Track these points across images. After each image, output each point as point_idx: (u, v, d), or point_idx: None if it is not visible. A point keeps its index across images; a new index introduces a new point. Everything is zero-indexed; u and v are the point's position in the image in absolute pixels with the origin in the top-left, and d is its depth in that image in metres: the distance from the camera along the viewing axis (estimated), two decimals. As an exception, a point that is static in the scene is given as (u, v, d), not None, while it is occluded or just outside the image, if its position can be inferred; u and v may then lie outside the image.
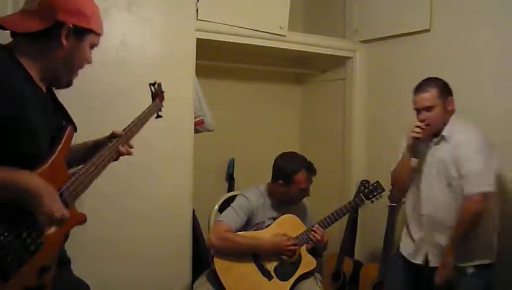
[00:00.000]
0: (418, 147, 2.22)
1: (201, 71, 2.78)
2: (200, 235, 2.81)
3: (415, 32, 2.92)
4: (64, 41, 1.30)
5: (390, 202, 2.88)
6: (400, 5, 3.01)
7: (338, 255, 3.03)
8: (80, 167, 1.37)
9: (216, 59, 3.20)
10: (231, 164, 3.52)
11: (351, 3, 3.36)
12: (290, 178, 2.43)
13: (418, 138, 2.17)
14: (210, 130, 2.91)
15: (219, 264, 2.32)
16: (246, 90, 3.62)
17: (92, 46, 1.40)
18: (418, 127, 2.16)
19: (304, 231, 2.44)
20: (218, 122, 2.99)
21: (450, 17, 2.74)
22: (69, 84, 1.41)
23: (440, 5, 2.78)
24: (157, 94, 1.84)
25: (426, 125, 2.17)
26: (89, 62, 1.42)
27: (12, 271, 1.14)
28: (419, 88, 2.20)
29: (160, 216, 2.55)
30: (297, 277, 2.39)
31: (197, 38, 2.63)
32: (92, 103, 2.26)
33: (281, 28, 2.96)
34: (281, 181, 2.45)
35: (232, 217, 2.40)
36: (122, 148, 1.52)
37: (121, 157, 1.55)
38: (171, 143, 2.57)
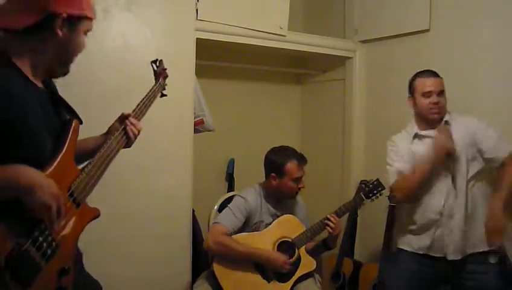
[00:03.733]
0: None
1: (201, 71, 2.78)
2: (200, 235, 2.81)
3: (415, 32, 2.92)
4: (60, 33, 1.24)
5: (390, 202, 2.88)
6: (400, 5, 3.01)
7: (337, 255, 3.03)
8: (89, 161, 1.33)
9: (216, 59, 3.20)
10: (231, 164, 3.52)
11: (351, 3, 3.37)
12: (281, 169, 2.42)
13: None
14: (210, 130, 2.91)
15: (218, 266, 2.31)
16: (246, 90, 3.62)
17: (86, 32, 1.33)
18: None
19: (318, 222, 2.41)
20: (218, 122, 2.99)
21: (450, 17, 2.74)
22: (66, 73, 1.36)
23: (439, 5, 2.79)
24: (160, 72, 1.81)
25: (438, 109, 2.18)
26: (84, 48, 1.35)
27: (31, 278, 1.11)
28: (429, 72, 2.22)
29: (159, 216, 2.55)
30: (296, 278, 2.38)
31: (197, 38, 2.63)
32: (91, 103, 2.26)
33: (280, 28, 2.96)
34: (273, 174, 2.45)
35: (229, 218, 2.37)
36: (130, 129, 1.50)
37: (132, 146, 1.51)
38: (171, 143, 2.57)
